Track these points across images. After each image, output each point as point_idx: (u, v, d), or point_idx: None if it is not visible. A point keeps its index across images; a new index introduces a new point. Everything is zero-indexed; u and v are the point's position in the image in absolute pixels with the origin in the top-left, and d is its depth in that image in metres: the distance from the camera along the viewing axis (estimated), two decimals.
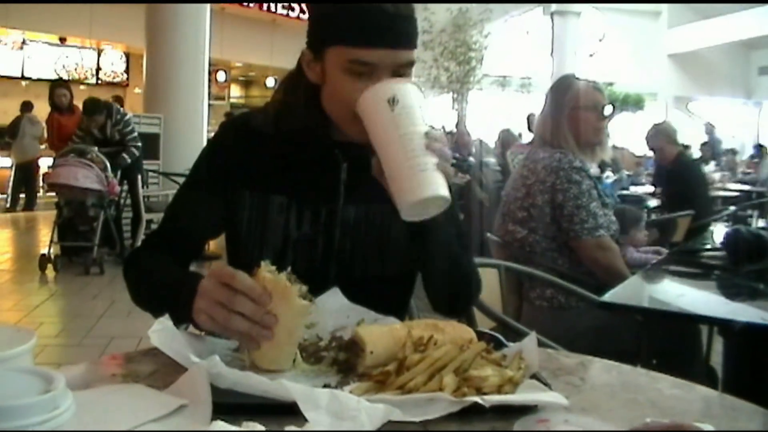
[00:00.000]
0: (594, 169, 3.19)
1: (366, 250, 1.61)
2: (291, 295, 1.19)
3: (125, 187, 8.59)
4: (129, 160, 8.33)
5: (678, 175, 6.19)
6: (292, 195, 1.58)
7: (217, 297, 1.21)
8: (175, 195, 1.72)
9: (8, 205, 14.31)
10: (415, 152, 1.30)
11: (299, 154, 1.59)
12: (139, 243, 7.98)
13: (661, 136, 6.28)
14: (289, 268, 1.24)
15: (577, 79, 3.35)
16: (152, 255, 1.61)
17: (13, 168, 14.37)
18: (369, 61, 1.44)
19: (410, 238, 1.52)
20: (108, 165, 7.86)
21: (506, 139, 9.79)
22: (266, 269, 1.21)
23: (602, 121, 3.23)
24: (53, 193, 12.01)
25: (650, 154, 7.97)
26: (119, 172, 8.24)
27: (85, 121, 8.39)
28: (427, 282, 1.62)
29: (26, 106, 14.44)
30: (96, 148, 7.96)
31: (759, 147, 16.21)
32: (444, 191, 1.28)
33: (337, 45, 1.47)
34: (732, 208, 7.95)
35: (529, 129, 9.56)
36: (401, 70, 1.47)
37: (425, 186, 1.26)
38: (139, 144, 8.51)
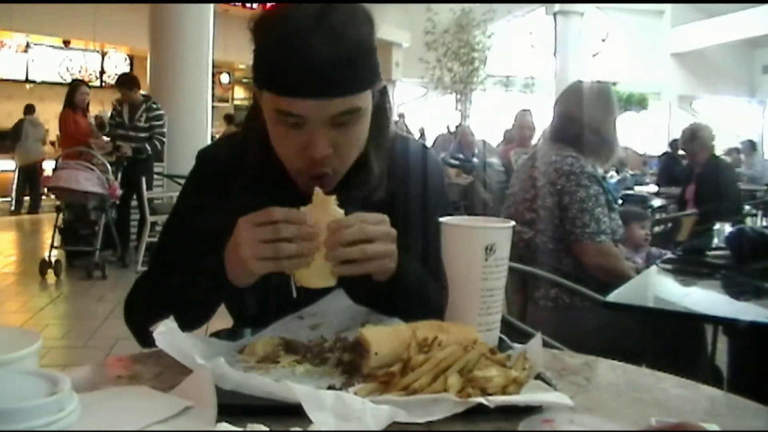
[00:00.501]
0: (599, 170, 3.19)
1: (351, 286, 1.46)
2: (329, 205, 1.27)
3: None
4: (159, 146, 8.65)
5: (709, 177, 6.24)
6: None
7: (259, 236, 1.25)
8: (164, 227, 1.67)
9: (12, 208, 14.36)
10: (489, 310, 1.31)
11: (274, 191, 1.46)
12: (143, 245, 8.02)
13: (698, 140, 6.34)
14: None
15: (594, 82, 3.39)
16: (154, 283, 1.56)
17: (17, 171, 14.42)
18: (295, 112, 1.32)
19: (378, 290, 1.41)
20: (109, 167, 7.93)
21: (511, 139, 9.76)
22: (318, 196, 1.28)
23: (616, 124, 3.28)
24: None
25: (653, 153, 7.97)
26: (120, 174, 8.31)
27: (122, 93, 8.62)
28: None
29: (29, 109, 14.48)
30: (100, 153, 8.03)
31: (750, 143, 16.08)
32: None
33: (265, 90, 1.36)
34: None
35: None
36: (342, 119, 1.34)
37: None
38: (165, 140, 8.77)
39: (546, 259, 3.10)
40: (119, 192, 8.06)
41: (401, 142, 1.66)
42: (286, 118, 1.33)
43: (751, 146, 15.44)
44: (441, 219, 1.34)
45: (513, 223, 1.33)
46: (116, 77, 9.07)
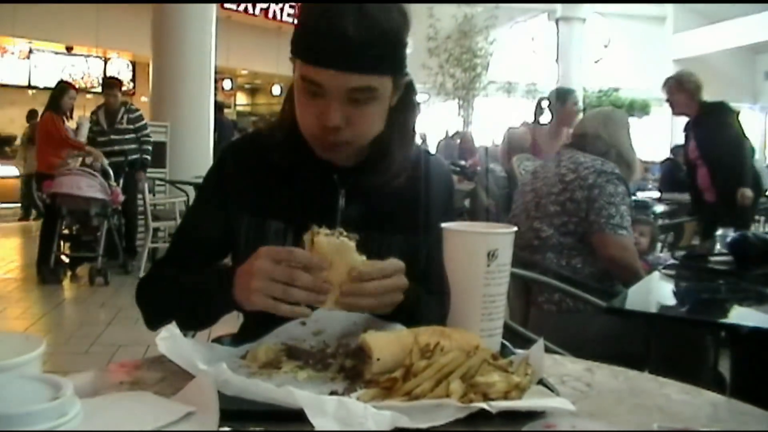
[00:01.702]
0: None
1: None
2: (349, 251, 1.29)
3: (138, 196, 8.59)
4: (149, 159, 8.53)
5: (709, 123, 5.78)
6: (288, 221, 1.56)
7: (275, 275, 1.26)
8: (182, 221, 1.75)
9: (22, 214, 14.41)
10: (491, 316, 1.31)
11: (298, 178, 1.58)
12: (146, 251, 8.02)
13: (685, 91, 5.86)
14: (339, 230, 1.32)
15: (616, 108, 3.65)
16: (168, 272, 1.62)
17: (22, 177, 14.48)
18: (315, 80, 1.41)
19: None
20: (111, 173, 7.87)
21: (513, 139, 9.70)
22: (323, 233, 1.29)
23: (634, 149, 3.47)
24: None
25: (655, 159, 7.95)
26: (122, 180, 8.24)
27: (110, 99, 8.53)
28: None
29: (32, 115, 14.55)
30: (102, 157, 7.96)
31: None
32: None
33: (297, 58, 1.46)
34: None
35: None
36: (357, 95, 1.42)
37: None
38: (151, 139, 8.69)
39: (560, 258, 3.15)
40: (122, 198, 8.01)
41: (418, 152, 1.70)
42: (308, 85, 1.42)
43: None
44: (443, 225, 1.35)
45: (515, 228, 1.34)
46: (102, 81, 9.01)
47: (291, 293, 1.25)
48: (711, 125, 5.55)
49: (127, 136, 8.48)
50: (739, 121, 5.64)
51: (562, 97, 6.48)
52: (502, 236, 1.31)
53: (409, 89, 1.58)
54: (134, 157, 8.48)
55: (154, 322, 1.53)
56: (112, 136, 8.44)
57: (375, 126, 1.51)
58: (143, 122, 8.70)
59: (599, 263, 3.13)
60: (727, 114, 5.70)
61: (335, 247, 1.29)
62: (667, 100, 5.76)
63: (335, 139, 1.46)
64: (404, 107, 1.58)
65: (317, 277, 1.26)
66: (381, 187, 1.57)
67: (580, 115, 5.93)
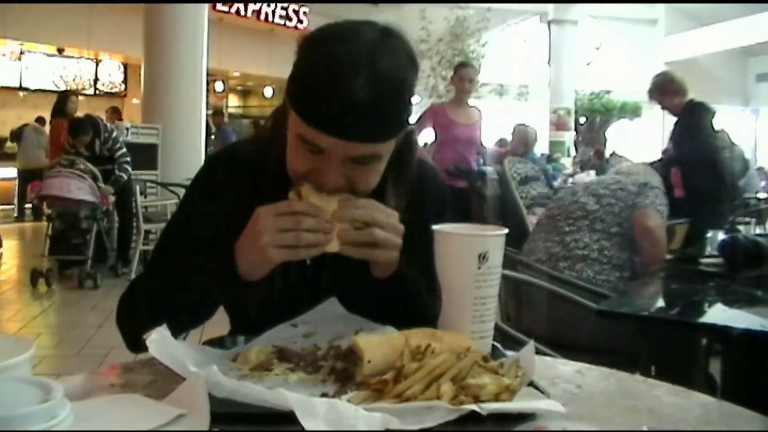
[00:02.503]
0: (591, 176, 3.39)
1: (354, 286, 1.48)
2: (334, 200, 1.33)
3: (132, 198, 8.52)
4: (125, 178, 8.23)
5: (688, 123, 5.56)
6: None
7: (281, 226, 1.28)
8: (164, 233, 1.66)
9: (16, 215, 14.39)
10: (482, 318, 1.31)
11: (287, 191, 1.46)
12: (137, 253, 8.00)
13: (672, 85, 5.61)
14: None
15: None
16: (153, 282, 1.55)
17: (19, 178, 14.47)
18: (317, 144, 1.31)
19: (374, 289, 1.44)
20: (100, 176, 7.77)
21: (523, 135, 9.70)
22: (306, 184, 1.35)
23: None
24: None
25: (646, 161, 7.94)
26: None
27: (71, 140, 8.23)
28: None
29: (37, 119, 14.63)
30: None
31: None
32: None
33: (295, 112, 1.33)
34: None
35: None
36: (362, 160, 1.34)
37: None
38: (129, 159, 8.36)
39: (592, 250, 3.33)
40: (112, 200, 7.92)
41: (417, 164, 1.64)
42: (306, 144, 1.33)
43: None
44: (434, 227, 1.35)
45: (506, 230, 1.34)
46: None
47: (302, 237, 1.28)
48: (686, 123, 5.53)
49: (108, 167, 8.18)
50: (711, 122, 5.65)
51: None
52: (493, 238, 1.31)
53: (410, 134, 1.49)
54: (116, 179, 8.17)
55: (139, 341, 1.30)
56: (94, 166, 8.02)
57: (375, 180, 1.42)
58: (119, 144, 8.38)
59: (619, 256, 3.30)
60: (700, 113, 5.59)
61: (321, 197, 1.33)
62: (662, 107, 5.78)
63: (332, 193, 1.37)
64: (402, 153, 1.49)
65: (320, 219, 1.30)
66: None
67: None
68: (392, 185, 1.50)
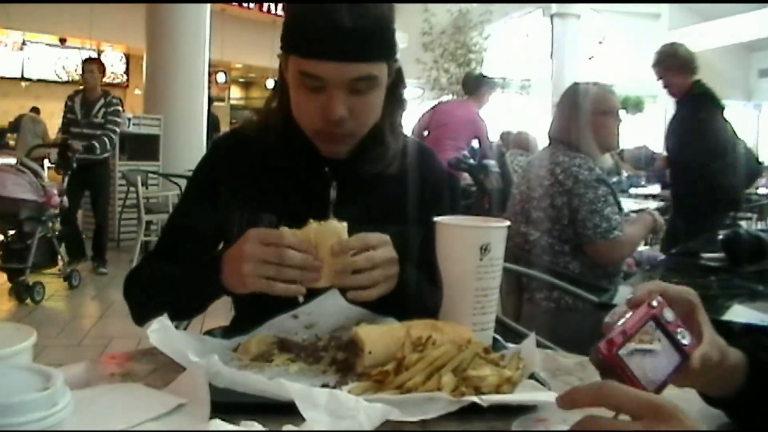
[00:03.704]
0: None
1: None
2: (341, 232, 1.32)
3: (132, 192, 8.35)
4: (98, 148, 7.32)
5: (689, 112, 5.05)
6: (281, 213, 1.55)
7: (265, 257, 1.28)
8: (171, 214, 1.73)
9: None
10: (483, 310, 1.32)
11: (290, 170, 1.57)
12: (138, 244, 7.99)
13: (677, 59, 5.06)
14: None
15: (594, 84, 3.39)
16: (157, 265, 1.62)
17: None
18: (316, 73, 1.40)
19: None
20: (43, 173, 6.94)
21: (506, 141, 9.77)
22: (313, 222, 1.31)
23: (618, 125, 3.33)
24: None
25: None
26: (66, 180, 7.12)
27: (89, 80, 7.57)
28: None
29: (33, 109, 14.62)
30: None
31: None
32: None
33: (292, 54, 1.46)
34: None
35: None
36: (358, 85, 1.43)
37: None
38: (115, 136, 7.62)
39: (553, 261, 3.13)
40: (57, 200, 6.70)
41: (410, 144, 1.71)
42: (308, 80, 1.41)
43: None
44: (436, 219, 1.35)
45: (508, 222, 1.34)
46: (81, 64, 7.96)
47: (284, 273, 1.27)
48: (689, 113, 4.95)
49: (98, 132, 7.51)
50: (723, 118, 5.01)
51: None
52: (494, 230, 1.31)
53: (399, 75, 1.58)
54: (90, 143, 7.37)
55: (142, 315, 1.50)
56: (86, 130, 7.51)
57: (376, 114, 1.52)
58: (118, 119, 7.66)
59: (583, 265, 3.13)
60: (706, 102, 5.05)
61: (324, 229, 1.31)
62: (659, 79, 5.10)
63: (340, 131, 1.46)
64: (394, 92, 1.59)
65: (307, 257, 1.28)
66: (373, 178, 1.58)
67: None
68: (388, 124, 1.59)
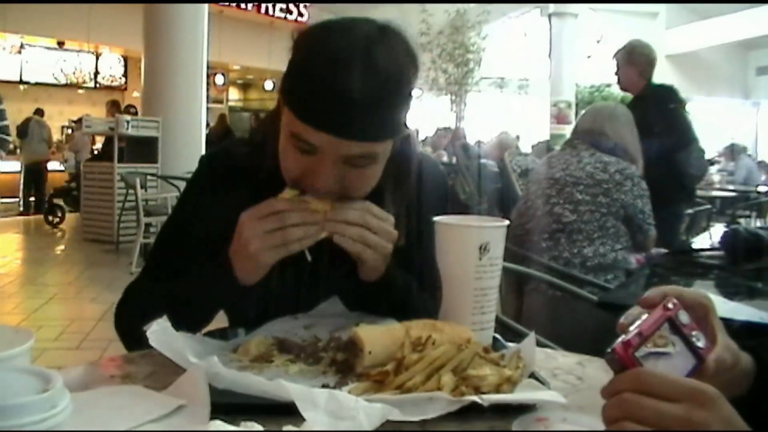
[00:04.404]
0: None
1: (350, 285, 1.47)
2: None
3: (131, 195, 8.32)
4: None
5: (648, 108, 4.78)
6: None
7: (266, 227, 1.28)
8: (160, 233, 1.64)
9: (21, 209, 14.40)
10: (482, 309, 1.31)
11: (280, 192, 1.42)
12: (137, 246, 7.99)
13: (635, 58, 5.08)
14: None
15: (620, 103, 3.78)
16: (150, 289, 1.53)
17: (23, 171, 14.50)
18: (310, 142, 1.26)
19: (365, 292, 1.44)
20: None
21: (504, 141, 9.78)
22: (286, 194, 1.32)
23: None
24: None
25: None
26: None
27: None
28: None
29: (38, 111, 14.65)
30: None
31: (732, 147, 15.92)
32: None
33: (288, 108, 1.29)
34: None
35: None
36: (357, 161, 1.29)
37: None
38: (9, 138, 7.03)
39: (575, 245, 3.27)
40: None
41: (417, 157, 1.60)
42: (299, 142, 1.28)
43: (733, 150, 15.30)
44: (435, 218, 1.34)
45: (507, 222, 1.33)
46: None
47: (289, 233, 1.27)
48: (648, 109, 4.72)
49: None
50: (683, 114, 4.97)
51: None
52: (494, 230, 1.31)
53: (409, 140, 1.46)
54: None
55: (137, 343, 1.31)
56: None
57: (372, 184, 1.38)
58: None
59: (610, 254, 3.23)
60: (668, 101, 4.97)
61: (313, 198, 1.31)
62: (616, 73, 5.12)
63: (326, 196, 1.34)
64: (401, 161, 1.46)
65: (304, 212, 1.28)
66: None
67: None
68: (391, 192, 1.45)
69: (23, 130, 14.28)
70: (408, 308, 1.42)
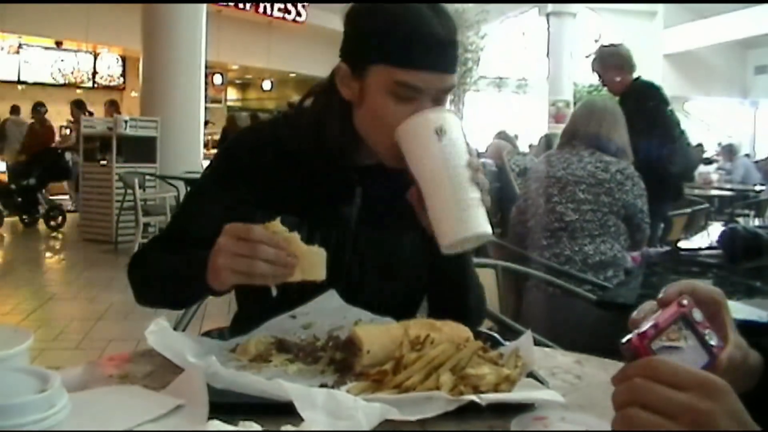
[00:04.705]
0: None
1: (374, 275, 1.56)
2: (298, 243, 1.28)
3: (129, 195, 8.29)
4: None
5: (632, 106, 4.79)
6: (303, 215, 1.51)
7: (237, 250, 1.26)
8: (184, 201, 1.71)
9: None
10: (462, 187, 1.30)
11: (315, 173, 1.54)
12: (136, 246, 7.99)
13: (615, 59, 5.25)
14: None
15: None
16: (160, 251, 1.60)
17: (8, 171, 14.43)
18: (416, 84, 1.39)
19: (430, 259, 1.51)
20: None
21: (500, 147, 9.77)
22: (274, 226, 1.27)
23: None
24: (58, 196, 12.01)
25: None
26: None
27: None
28: (439, 302, 1.62)
29: (13, 110, 14.55)
30: None
31: (730, 146, 15.87)
32: (487, 228, 1.29)
33: (383, 64, 1.41)
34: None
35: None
36: (442, 96, 1.44)
37: (470, 224, 1.27)
38: None
39: (576, 243, 3.28)
40: None
41: None
42: (404, 90, 1.39)
43: (731, 150, 15.23)
44: (396, 128, 1.37)
45: (455, 110, 1.37)
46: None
47: (255, 266, 1.25)
48: (631, 107, 4.67)
49: None
50: (665, 110, 5.07)
51: None
52: (443, 113, 1.35)
53: None
54: None
55: (143, 295, 1.57)
56: None
57: None
58: None
59: (610, 251, 3.24)
60: (648, 99, 5.07)
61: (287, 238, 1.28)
62: (600, 82, 5.31)
63: None
64: None
65: (279, 252, 1.26)
66: (397, 185, 1.50)
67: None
68: None
69: (1, 132, 14.20)
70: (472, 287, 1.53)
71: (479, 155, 8.10)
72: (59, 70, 19.45)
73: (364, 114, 1.47)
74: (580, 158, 3.38)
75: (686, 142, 5.08)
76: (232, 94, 24.65)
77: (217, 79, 21.09)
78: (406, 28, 1.40)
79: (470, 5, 19.30)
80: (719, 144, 15.81)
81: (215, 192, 1.61)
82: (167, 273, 1.52)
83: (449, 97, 1.48)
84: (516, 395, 1.07)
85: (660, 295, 0.96)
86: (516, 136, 10.87)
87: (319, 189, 1.55)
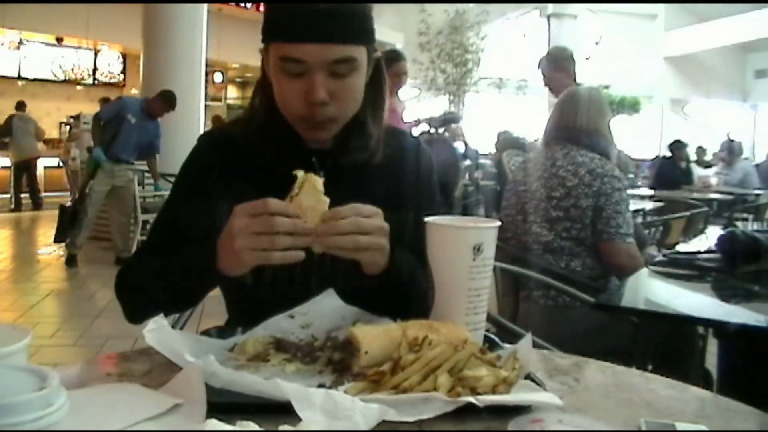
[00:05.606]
0: None
1: (345, 261, 1.47)
2: (317, 186, 1.32)
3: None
4: None
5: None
6: None
7: (255, 228, 1.27)
8: (161, 211, 1.70)
9: (12, 206, 14.34)
10: (476, 310, 1.31)
11: (276, 163, 1.54)
12: (135, 243, 7.99)
13: (559, 63, 5.23)
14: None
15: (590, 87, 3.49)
16: (148, 260, 1.60)
17: (12, 168, 14.45)
18: (297, 57, 1.42)
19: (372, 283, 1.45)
20: None
21: (504, 141, 9.77)
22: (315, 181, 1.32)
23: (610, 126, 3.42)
24: (58, 193, 11.99)
25: (645, 157, 7.90)
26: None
27: None
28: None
29: (19, 106, 14.52)
30: None
31: (729, 145, 15.81)
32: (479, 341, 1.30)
33: (273, 42, 1.48)
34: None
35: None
36: (339, 68, 1.45)
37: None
38: None
39: (560, 260, 3.15)
40: None
41: (396, 134, 1.74)
42: (290, 65, 1.43)
43: (732, 149, 15.18)
44: (427, 219, 1.35)
45: (499, 222, 1.34)
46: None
47: (277, 241, 1.26)
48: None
49: None
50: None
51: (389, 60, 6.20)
52: (487, 230, 1.31)
53: (379, 66, 1.61)
54: None
55: (135, 311, 1.53)
56: None
57: (357, 99, 1.54)
58: None
59: (597, 266, 3.15)
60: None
61: (310, 188, 1.31)
62: (545, 83, 5.22)
63: (322, 116, 1.48)
64: (375, 83, 1.61)
65: (297, 221, 1.27)
66: (360, 168, 1.58)
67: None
68: (370, 114, 1.62)
69: (6, 128, 14.18)
70: (414, 290, 1.45)
71: (479, 155, 8.12)
72: (59, 66, 19.46)
73: (275, 94, 1.53)
74: (553, 162, 3.25)
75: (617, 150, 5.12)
76: (232, 92, 24.67)
77: (218, 77, 21.13)
78: (287, 4, 1.44)
79: (470, 6, 19.33)
80: (728, 135, 15.68)
81: (189, 194, 1.63)
82: (164, 275, 1.50)
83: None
84: (513, 397, 1.07)
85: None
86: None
87: (282, 177, 1.45)
